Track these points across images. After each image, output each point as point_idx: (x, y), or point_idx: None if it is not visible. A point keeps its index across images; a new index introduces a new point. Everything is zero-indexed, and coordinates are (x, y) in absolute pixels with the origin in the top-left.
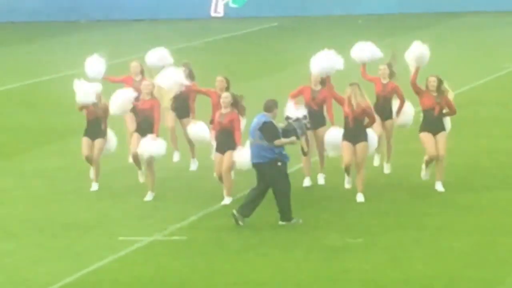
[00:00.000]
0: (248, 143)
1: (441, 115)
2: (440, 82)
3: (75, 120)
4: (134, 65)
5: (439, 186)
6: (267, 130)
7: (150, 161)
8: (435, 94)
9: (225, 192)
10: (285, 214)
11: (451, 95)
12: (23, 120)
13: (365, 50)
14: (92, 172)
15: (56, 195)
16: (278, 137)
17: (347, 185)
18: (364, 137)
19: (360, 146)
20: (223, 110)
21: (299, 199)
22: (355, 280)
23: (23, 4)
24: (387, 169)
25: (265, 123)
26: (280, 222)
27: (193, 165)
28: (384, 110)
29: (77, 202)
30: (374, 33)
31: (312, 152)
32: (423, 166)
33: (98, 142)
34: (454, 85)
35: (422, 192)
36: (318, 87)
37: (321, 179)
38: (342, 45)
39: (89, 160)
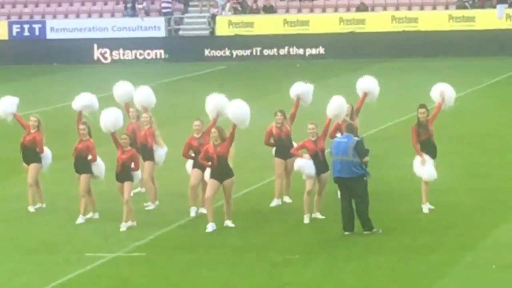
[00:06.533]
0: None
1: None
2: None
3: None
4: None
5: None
6: (361, 148)
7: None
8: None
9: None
10: (368, 224)
11: None
12: (3, 150)
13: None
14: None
15: (32, 217)
16: (367, 155)
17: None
18: None
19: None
20: (216, 142)
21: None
22: None
23: None
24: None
25: (359, 141)
26: (365, 232)
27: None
28: None
29: (50, 222)
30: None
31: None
32: None
33: (84, 176)
34: (379, 121)
35: None
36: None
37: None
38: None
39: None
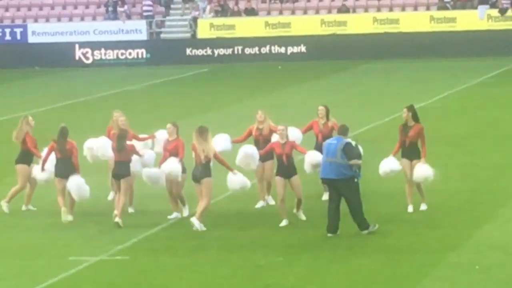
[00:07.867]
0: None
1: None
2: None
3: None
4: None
5: None
6: (351, 151)
7: None
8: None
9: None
10: (363, 223)
11: None
12: None
13: None
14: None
15: (14, 221)
16: (357, 157)
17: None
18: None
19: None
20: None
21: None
22: None
23: None
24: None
25: (347, 143)
26: (363, 232)
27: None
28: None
29: (32, 227)
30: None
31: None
32: None
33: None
34: (362, 123)
35: None
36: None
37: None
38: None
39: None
